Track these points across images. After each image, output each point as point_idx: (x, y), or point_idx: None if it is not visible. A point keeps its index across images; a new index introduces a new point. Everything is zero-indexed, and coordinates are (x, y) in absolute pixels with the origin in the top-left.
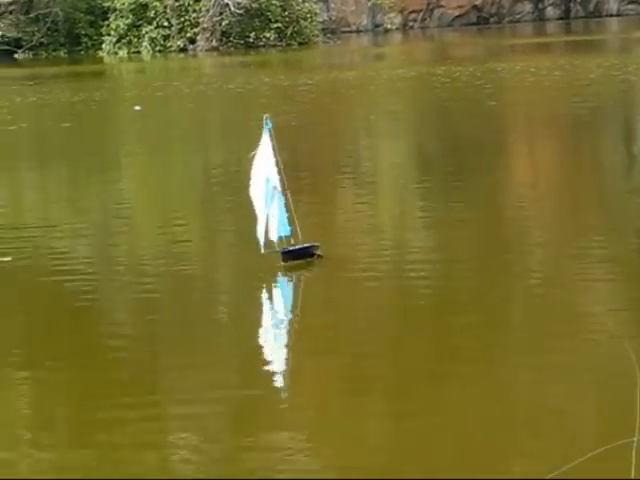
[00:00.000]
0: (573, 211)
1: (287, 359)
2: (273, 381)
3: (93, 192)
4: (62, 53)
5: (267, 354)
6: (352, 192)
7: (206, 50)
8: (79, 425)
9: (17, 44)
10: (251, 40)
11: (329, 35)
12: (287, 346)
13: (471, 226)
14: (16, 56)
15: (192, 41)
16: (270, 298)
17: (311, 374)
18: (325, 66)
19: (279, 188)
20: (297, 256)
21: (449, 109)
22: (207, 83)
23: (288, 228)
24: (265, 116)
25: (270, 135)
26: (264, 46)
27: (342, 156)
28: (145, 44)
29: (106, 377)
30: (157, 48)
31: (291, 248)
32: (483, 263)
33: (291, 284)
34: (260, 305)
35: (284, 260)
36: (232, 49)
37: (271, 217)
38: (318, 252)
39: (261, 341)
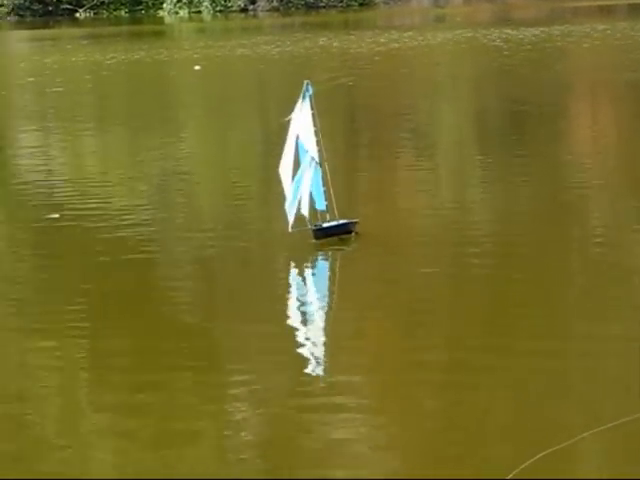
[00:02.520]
0: (635, 178)
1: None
2: (323, 358)
3: (151, 152)
4: (123, 12)
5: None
6: (409, 161)
7: (266, 10)
8: (130, 385)
9: (78, 3)
10: (311, 1)
11: None
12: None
13: (531, 200)
14: (77, 15)
15: (253, 1)
16: (313, 274)
17: (360, 347)
18: (385, 27)
19: (317, 160)
20: (330, 233)
21: (512, 73)
22: (267, 43)
23: (324, 203)
24: (306, 82)
25: (310, 102)
26: (324, 7)
27: (401, 120)
28: (206, 4)
29: (155, 341)
30: (217, 8)
31: (325, 225)
32: (541, 239)
33: (329, 260)
34: (298, 282)
35: (316, 237)
36: (292, 9)
37: (304, 191)
38: (355, 229)
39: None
